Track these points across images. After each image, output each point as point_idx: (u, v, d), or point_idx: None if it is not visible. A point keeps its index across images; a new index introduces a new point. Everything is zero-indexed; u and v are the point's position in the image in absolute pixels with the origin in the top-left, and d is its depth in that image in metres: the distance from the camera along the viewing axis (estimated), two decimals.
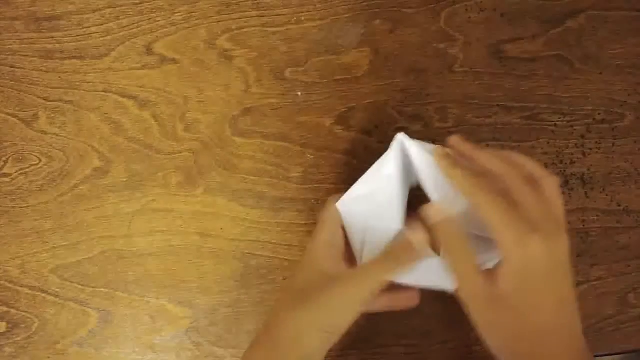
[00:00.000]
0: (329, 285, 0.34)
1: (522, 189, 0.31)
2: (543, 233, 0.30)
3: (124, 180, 0.46)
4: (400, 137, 0.35)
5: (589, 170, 0.46)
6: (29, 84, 0.47)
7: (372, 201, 0.36)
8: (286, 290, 0.38)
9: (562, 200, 0.32)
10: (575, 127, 0.46)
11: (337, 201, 0.37)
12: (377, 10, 0.47)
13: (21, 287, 0.46)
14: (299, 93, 0.46)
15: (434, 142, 0.45)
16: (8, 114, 0.47)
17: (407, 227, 0.35)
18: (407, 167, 0.36)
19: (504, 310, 0.31)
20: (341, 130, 0.46)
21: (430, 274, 0.34)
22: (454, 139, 0.36)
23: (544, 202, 0.31)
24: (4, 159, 0.47)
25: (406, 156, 0.35)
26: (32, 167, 0.46)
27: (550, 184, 0.32)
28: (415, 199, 0.37)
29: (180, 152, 0.46)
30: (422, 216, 0.34)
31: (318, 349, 0.34)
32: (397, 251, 0.34)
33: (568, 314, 0.31)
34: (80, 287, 0.45)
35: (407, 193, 0.37)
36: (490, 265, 0.34)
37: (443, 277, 0.33)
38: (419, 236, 0.34)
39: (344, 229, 0.37)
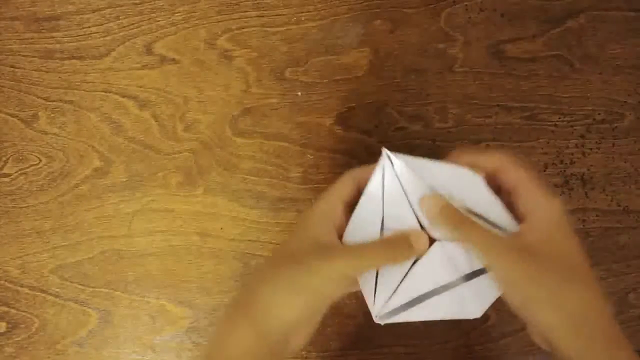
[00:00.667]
0: (321, 253, 0.32)
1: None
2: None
3: (124, 180, 0.46)
4: (385, 153, 0.33)
5: (589, 170, 0.46)
6: (29, 84, 0.47)
7: (358, 218, 0.34)
8: (273, 255, 0.36)
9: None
10: (575, 127, 0.46)
11: (350, 175, 0.35)
12: (377, 10, 0.47)
13: (21, 287, 0.46)
14: (299, 93, 0.46)
15: (433, 141, 0.46)
16: (8, 114, 0.47)
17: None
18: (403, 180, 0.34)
19: (540, 260, 0.30)
20: (341, 130, 0.46)
21: (452, 303, 0.33)
22: (452, 158, 0.35)
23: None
24: (4, 159, 0.47)
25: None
26: (32, 167, 0.46)
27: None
28: None
29: (180, 152, 0.46)
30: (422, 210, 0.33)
31: (289, 320, 0.32)
32: (394, 240, 0.33)
33: (589, 265, 0.31)
34: (80, 287, 0.45)
35: (402, 209, 0.34)
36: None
37: (465, 305, 0.33)
38: (419, 233, 0.33)
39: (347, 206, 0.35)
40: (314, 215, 0.34)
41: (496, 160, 0.33)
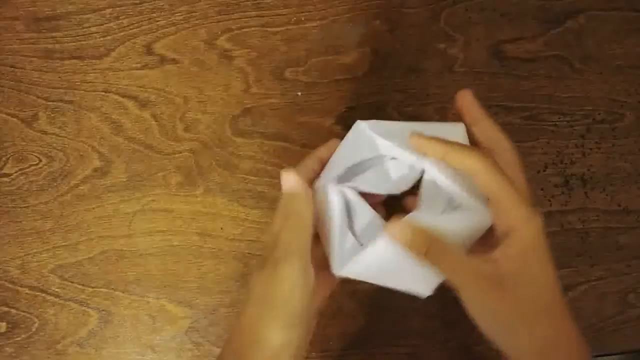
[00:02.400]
0: (279, 258, 0.31)
1: (512, 162, 0.32)
2: (537, 208, 0.30)
3: (124, 180, 0.46)
4: (363, 125, 0.34)
5: (589, 170, 0.46)
6: (29, 84, 0.47)
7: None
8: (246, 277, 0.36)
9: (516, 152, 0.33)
10: (575, 127, 0.46)
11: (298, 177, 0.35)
12: (377, 10, 0.47)
13: (21, 287, 0.46)
14: (299, 93, 0.46)
15: None
16: (8, 114, 0.47)
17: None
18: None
19: (510, 291, 0.29)
20: (341, 130, 0.46)
21: (404, 274, 0.33)
22: (466, 97, 0.34)
23: (523, 174, 0.32)
24: (4, 159, 0.47)
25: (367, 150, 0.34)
26: (32, 167, 0.46)
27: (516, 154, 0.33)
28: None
29: (180, 152, 0.46)
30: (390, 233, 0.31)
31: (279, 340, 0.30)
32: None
33: (560, 290, 0.31)
34: (80, 287, 0.45)
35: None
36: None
37: (417, 280, 0.33)
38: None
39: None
40: (272, 232, 0.33)
41: (474, 160, 0.30)
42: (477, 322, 0.31)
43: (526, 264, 0.30)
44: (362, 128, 0.34)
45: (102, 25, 0.47)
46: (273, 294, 0.30)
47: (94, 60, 0.47)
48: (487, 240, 0.32)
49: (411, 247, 0.30)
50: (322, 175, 0.36)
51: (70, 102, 0.47)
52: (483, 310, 0.31)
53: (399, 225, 0.30)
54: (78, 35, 0.47)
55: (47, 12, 0.47)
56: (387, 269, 0.32)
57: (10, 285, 0.46)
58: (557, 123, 0.46)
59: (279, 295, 0.30)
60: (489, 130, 0.33)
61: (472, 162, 0.30)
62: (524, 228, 0.29)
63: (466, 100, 0.34)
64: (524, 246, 0.30)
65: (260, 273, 0.32)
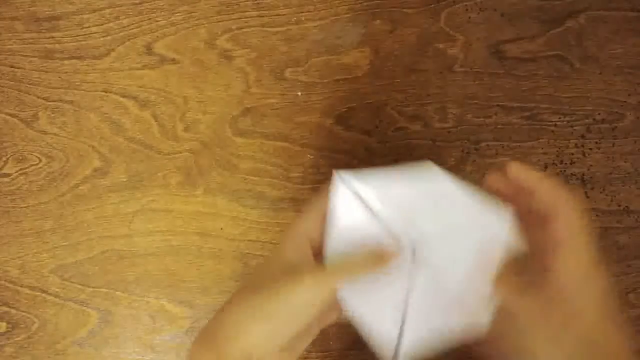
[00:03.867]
0: (290, 275, 0.29)
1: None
2: (600, 263, 0.29)
3: (124, 180, 0.46)
4: (341, 176, 0.31)
5: (589, 170, 0.46)
6: (29, 84, 0.47)
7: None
8: (245, 282, 0.34)
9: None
10: (575, 127, 0.46)
11: (332, 186, 0.33)
12: (377, 10, 0.47)
13: (21, 287, 0.46)
14: (299, 93, 0.46)
15: (433, 141, 0.46)
16: (8, 114, 0.47)
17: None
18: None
19: (568, 308, 0.28)
20: (341, 130, 0.46)
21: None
22: (515, 168, 0.31)
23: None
24: (4, 159, 0.47)
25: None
26: (32, 167, 0.46)
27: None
28: None
29: (180, 152, 0.46)
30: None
31: (270, 344, 0.29)
32: (366, 253, 0.31)
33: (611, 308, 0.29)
34: (80, 287, 0.45)
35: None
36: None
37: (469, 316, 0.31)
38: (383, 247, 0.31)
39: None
40: (287, 235, 0.32)
41: (560, 199, 0.29)
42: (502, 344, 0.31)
43: (580, 277, 0.29)
44: (341, 182, 0.31)
45: (102, 25, 0.47)
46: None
47: (94, 60, 0.47)
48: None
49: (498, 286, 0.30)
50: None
51: (70, 102, 0.47)
52: (547, 337, 0.29)
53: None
54: (78, 35, 0.47)
55: (47, 12, 0.47)
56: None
57: (10, 285, 0.46)
58: (557, 123, 0.46)
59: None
60: (552, 193, 0.31)
61: (560, 197, 0.30)
62: (576, 232, 0.29)
63: (515, 171, 0.31)
64: (577, 252, 0.29)
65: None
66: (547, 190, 0.30)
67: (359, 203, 0.31)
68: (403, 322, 0.31)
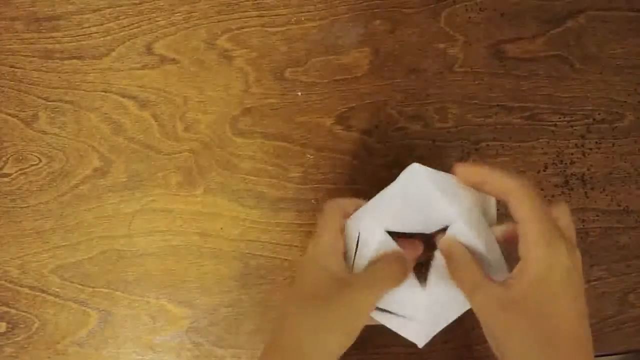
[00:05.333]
0: (342, 288, 0.32)
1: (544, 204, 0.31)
2: (568, 241, 0.29)
3: (124, 180, 0.46)
4: (416, 167, 0.33)
5: (589, 170, 0.46)
6: (29, 84, 0.47)
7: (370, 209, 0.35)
8: (293, 295, 0.36)
9: (574, 225, 0.32)
10: (575, 127, 0.46)
11: (336, 203, 0.36)
12: (377, 10, 0.47)
13: (21, 287, 0.46)
14: (299, 93, 0.46)
15: (433, 141, 0.46)
16: (8, 114, 0.47)
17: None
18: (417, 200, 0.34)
19: (521, 315, 0.29)
20: (341, 130, 0.46)
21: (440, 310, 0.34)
22: (461, 169, 0.33)
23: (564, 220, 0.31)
24: (4, 159, 0.47)
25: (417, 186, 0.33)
26: (32, 167, 0.46)
27: (564, 207, 0.32)
28: None
29: (180, 152, 0.46)
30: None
31: (335, 353, 0.32)
32: (392, 260, 0.33)
33: (586, 329, 0.30)
34: (80, 287, 0.45)
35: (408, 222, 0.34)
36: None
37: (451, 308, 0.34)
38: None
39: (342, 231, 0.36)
40: (324, 251, 0.34)
41: (510, 184, 0.30)
42: (496, 349, 0.31)
43: (541, 292, 0.29)
44: (418, 171, 0.33)
45: (102, 25, 0.47)
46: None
47: (94, 60, 0.47)
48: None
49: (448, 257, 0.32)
50: (363, 213, 0.35)
51: (70, 102, 0.47)
52: (498, 333, 0.30)
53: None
54: (78, 35, 0.47)
55: (47, 12, 0.47)
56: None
57: (10, 285, 0.46)
58: (557, 123, 0.46)
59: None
60: (501, 182, 0.32)
61: (508, 183, 0.30)
62: (541, 252, 0.29)
63: (463, 171, 0.33)
64: (537, 271, 0.29)
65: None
66: (497, 178, 0.31)
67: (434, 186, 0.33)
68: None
